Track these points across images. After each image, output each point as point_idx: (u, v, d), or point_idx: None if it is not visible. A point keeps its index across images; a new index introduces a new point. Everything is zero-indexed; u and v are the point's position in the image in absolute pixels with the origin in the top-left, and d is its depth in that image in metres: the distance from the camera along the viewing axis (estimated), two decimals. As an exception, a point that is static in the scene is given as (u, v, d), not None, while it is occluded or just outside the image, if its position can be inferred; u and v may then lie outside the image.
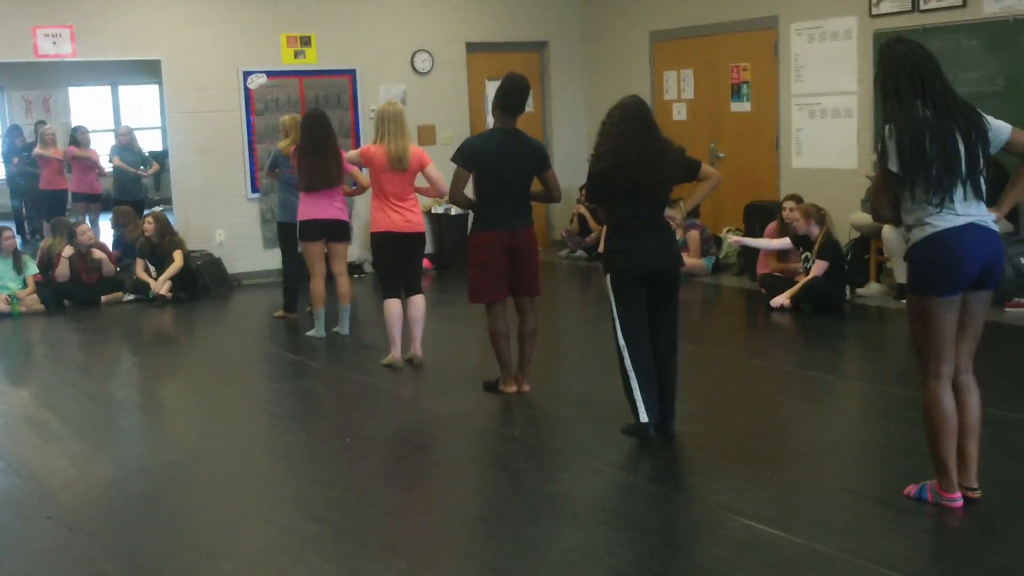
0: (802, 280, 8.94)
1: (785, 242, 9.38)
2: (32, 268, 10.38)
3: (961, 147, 4.31)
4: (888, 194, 4.49)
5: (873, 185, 4.60)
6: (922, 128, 4.30)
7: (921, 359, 4.49)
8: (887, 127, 4.39)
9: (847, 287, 9.14)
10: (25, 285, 10.24)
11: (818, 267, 8.87)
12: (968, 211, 4.34)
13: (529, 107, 12.93)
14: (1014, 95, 8.79)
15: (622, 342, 5.59)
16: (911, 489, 4.66)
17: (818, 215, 9.09)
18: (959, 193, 4.32)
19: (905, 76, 4.37)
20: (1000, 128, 4.43)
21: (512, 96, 6.43)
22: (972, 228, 4.33)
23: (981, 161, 4.35)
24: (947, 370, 4.44)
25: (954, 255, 4.31)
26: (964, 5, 9.26)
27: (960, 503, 4.50)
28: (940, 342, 4.41)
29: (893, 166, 4.37)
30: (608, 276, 5.66)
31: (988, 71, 8.96)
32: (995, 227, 4.41)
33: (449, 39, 12.62)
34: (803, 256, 9.16)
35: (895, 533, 4.37)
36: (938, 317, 4.38)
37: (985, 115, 4.42)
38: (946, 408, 4.43)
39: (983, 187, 4.37)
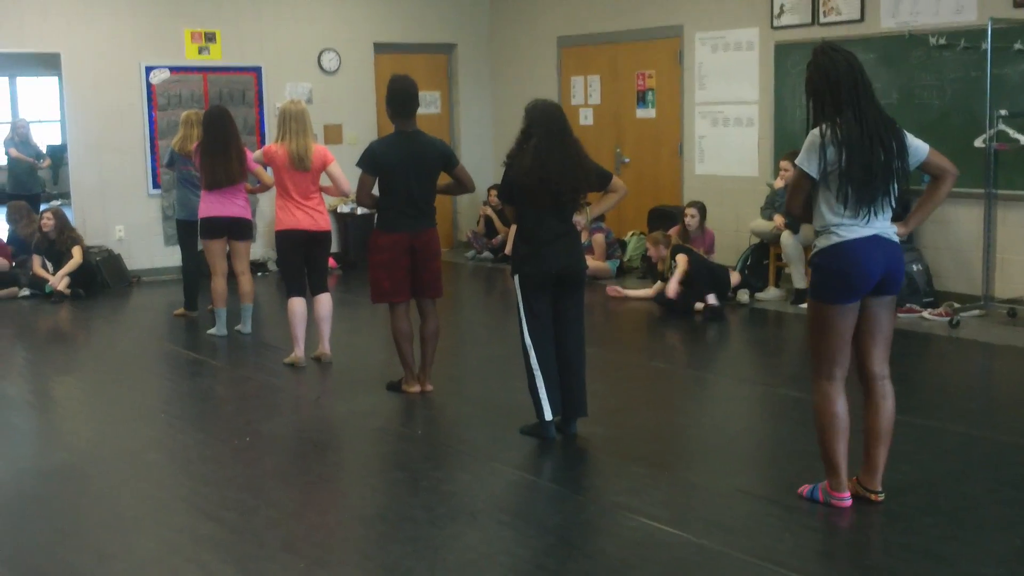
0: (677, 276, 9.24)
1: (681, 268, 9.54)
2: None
3: (882, 164, 4.42)
4: (802, 194, 4.61)
5: (790, 182, 4.74)
6: (850, 142, 4.40)
7: (815, 361, 4.61)
8: (815, 131, 4.50)
9: (749, 291, 9.38)
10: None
11: (682, 260, 9.21)
12: (875, 224, 4.48)
13: (437, 109, 13.22)
14: (907, 108, 9.05)
15: (528, 341, 5.67)
16: (804, 489, 4.78)
17: (664, 239, 9.75)
18: (873, 208, 4.44)
19: (844, 86, 4.45)
20: (918, 148, 4.56)
21: (399, 100, 6.42)
22: (875, 239, 4.47)
23: (897, 179, 4.48)
24: (839, 372, 4.56)
25: (856, 265, 4.44)
26: (862, 19, 9.51)
27: (849, 502, 4.62)
28: (836, 346, 4.54)
29: (811, 171, 4.49)
30: (515, 277, 5.73)
31: (883, 84, 9.19)
32: (896, 239, 4.56)
33: (357, 39, 12.56)
34: (664, 275, 9.52)
35: (784, 531, 4.47)
36: (836, 322, 4.51)
37: (905, 133, 4.55)
38: (836, 407, 4.56)
39: (894, 204, 4.52)
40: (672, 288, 9.15)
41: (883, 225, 4.51)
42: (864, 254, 4.44)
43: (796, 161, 4.57)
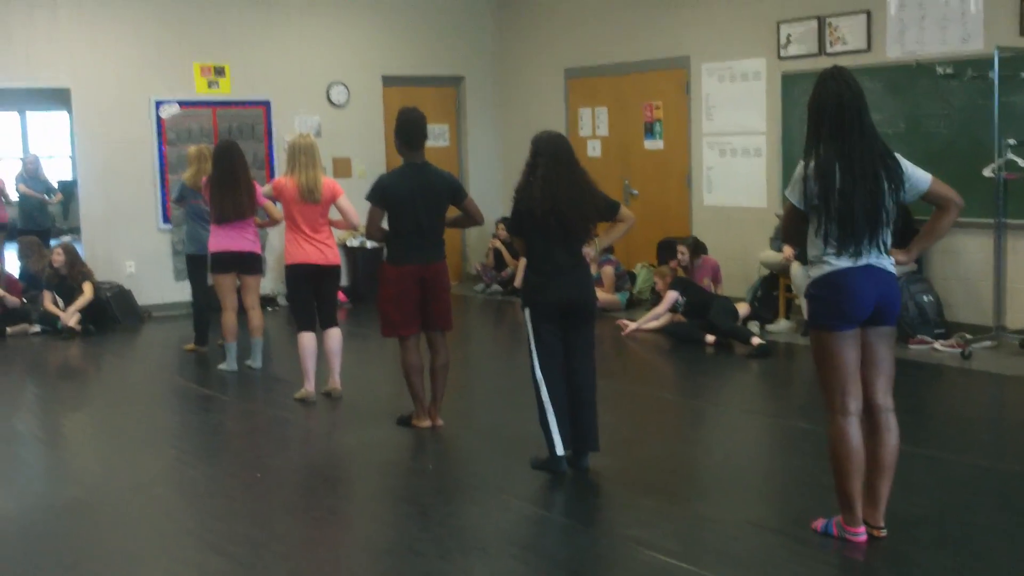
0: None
1: (669, 299, 9.73)
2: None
3: (871, 200, 4.35)
4: (794, 224, 4.62)
5: (784, 211, 4.74)
6: (833, 177, 4.36)
7: (827, 395, 4.55)
8: (802, 163, 4.48)
9: (758, 323, 9.38)
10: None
11: (668, 298, 9.61)
12: (868, 255, 4.42)
13: (445, 141, 13.26)
14: (915, 137, 9.06)
15: (539, 375, 5.64)
16: (818, 523, 4.73)
17: (671, 272, 9.98)
18: (863, 244, 4.39)
19: (829, 118, 4.42)
20: (920, 179, 4.49)
21: (407, 132, 6.45)
22: (868, 269, 4.41)
23: (889, 214, 4.41)
24: (853, 405, 4.49)
25: (847, 292, 4.40)
26: (869, 49, 9.52)
27: (864, 537, 4.57)
28: (842, 376, 4.47)
29: (799, 203, 4.48)
30: (526, 310, 5.71)
31: (890, 113, 9.22)
32: (892, 269, 4.50)
33: (365, 72, 12.62)
34: (680, 307, 9.64)
35: (797, 565, 4.44)
36: (837, 351, 4.46)
37: (904, 163, 4.48)
38: (852, 443, 4.48)
39: (888, 239, 4.46)
40: (661, 321, 9.64)
41: (876, 257, 4.45)
42: (855, 282, 4.40)
43: (785, 192, 4.57)
